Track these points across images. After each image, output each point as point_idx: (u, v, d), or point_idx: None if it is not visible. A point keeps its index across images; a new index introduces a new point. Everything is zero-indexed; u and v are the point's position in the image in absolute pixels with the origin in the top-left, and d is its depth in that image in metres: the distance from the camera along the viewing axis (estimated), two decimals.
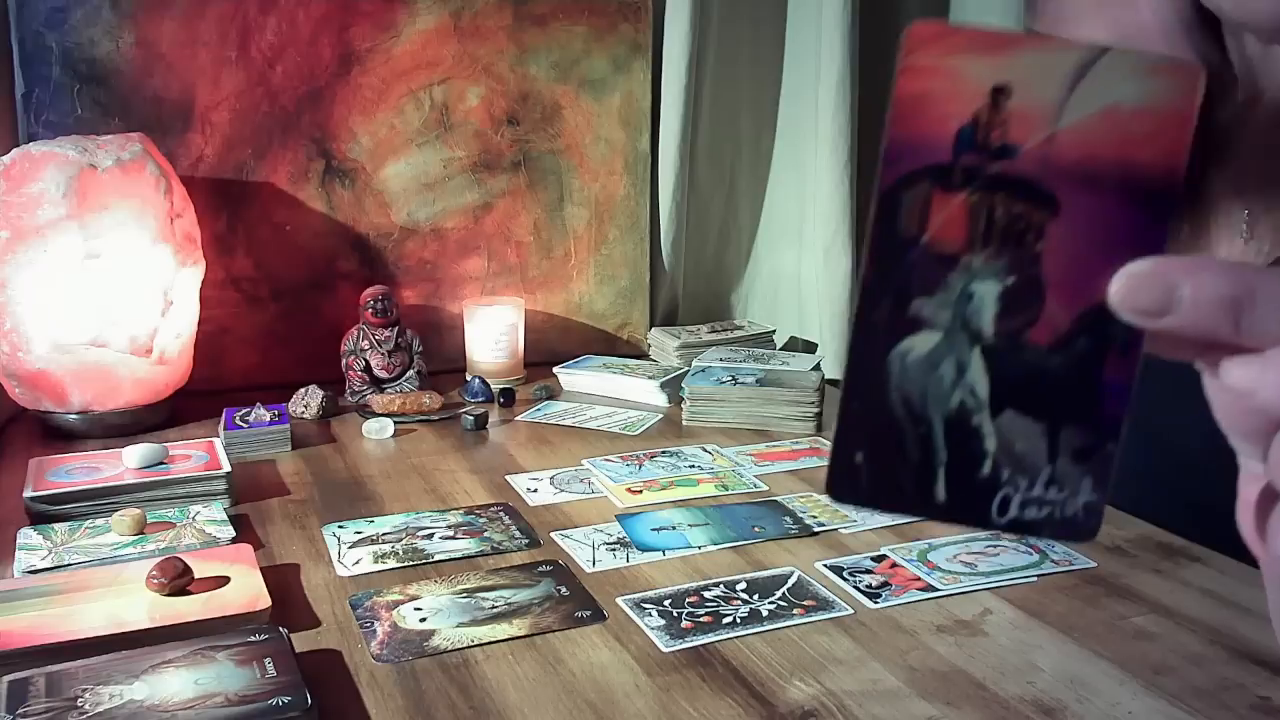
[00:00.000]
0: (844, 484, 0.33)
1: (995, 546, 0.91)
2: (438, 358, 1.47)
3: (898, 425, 0.33)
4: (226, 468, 1.03)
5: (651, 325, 1.64)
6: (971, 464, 0.33)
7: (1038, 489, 0.33)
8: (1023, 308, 0.32)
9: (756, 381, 1.30)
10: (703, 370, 1.37)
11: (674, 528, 0.96)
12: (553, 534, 0.95)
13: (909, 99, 0.32)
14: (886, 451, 0.33)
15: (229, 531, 0.94)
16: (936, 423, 0.33)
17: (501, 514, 1.00)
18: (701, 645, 0.76)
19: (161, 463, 1.05)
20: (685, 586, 0.85)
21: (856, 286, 0.33)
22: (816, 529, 0.96)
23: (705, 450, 1.18)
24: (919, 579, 0.85)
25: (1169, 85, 0.31)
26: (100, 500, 0.98)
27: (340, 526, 0.97)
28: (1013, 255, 0.32)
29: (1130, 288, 0.31)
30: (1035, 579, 0.85)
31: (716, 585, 0.85)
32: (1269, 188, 0.83)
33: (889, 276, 0.32)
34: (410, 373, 1.39)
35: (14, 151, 1.17)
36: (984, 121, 0.31)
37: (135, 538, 0.92)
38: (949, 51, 0.31)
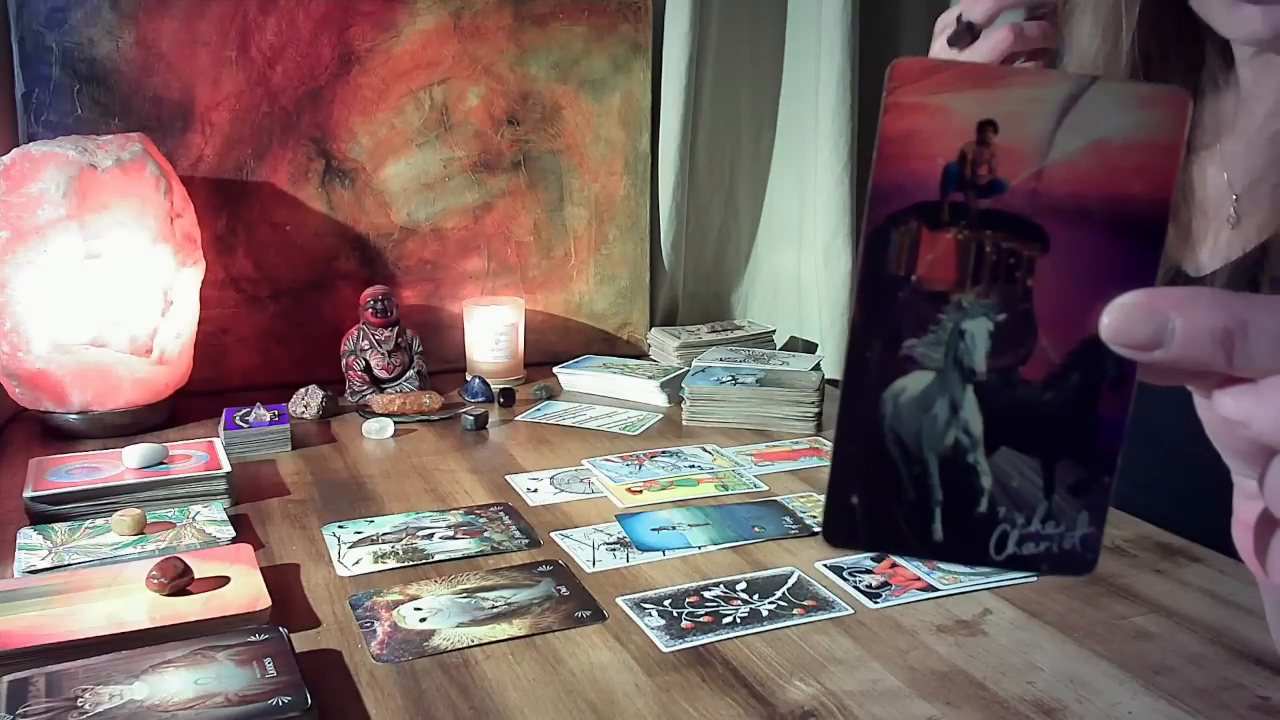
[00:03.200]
0: (841, 528, 0.33)
1: None
2: (438, 358, 1.47)
3: (893, 466, 0.33)
4: (226, 468, 1.03)
5: (651, 325, 1.64)
6: (968, 502, 0.33)
7: (1035, 524, 0.33)
8: (1015, 344, 0.32)
9: (756, 381, 1.30)
10: (703, 370, 1.37)
11: (674, 528, 0.96)
12: (553, 534, 0.95)
13: (895, 137, 0.31)
14: (882, 493, 0.33)
15: (229, 531, 0.94)
16: (931, 462, 0.33)
17: (501, 514, 1.00)
18: (701, 645, 0.75)
19: (161, 463, 1.05)
20: (685, 586, 0.85)
21: (853, 293, 0.33)
22: (816, 529, 0.96)
23: (705, 450, 1.18)
24: (919, 579, 0.85)
25: (1157, 116, 0.31)
26: (100, 500, 0.98)
27: (340, 526, 0.97)
28: (1003, 292, 0.32)
29: (1122, 321, 0.31)
30: (1035, 579, 0.85)
31: (716, 585, 0.85)
32: (1257, 179, 0.85)
33: (879, 317, 0.32)
34: (410, 373, 1.39)
35: (14, 151, 1.17)
36: (971, 158, 0.31)
37: (135, 538, 0.92)
38: (934, 88, 0.31)
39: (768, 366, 1.37)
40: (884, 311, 0.32)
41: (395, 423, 1.26)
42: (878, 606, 0.81)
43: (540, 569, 0.88)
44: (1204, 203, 0.87)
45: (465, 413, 1.28)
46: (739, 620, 0.79)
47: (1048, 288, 0.31)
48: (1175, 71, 0.85)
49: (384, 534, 0.95)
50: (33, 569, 0.86)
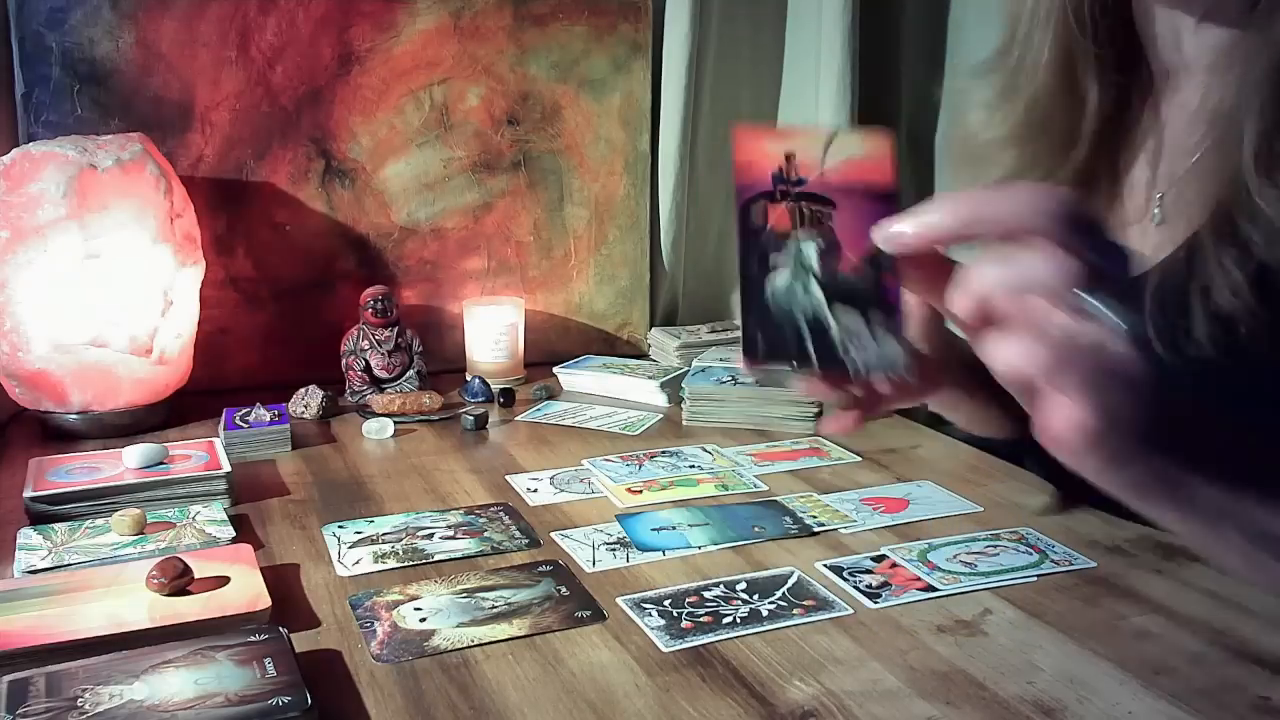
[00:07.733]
0: (751, 352, 0.58)
1: (995, 546, 0.91)
2: (438, 358, 1.47)
3: (778, 322, 0.57)
4: (226, 468, 1.03)
5: (651, 325, 1.64)
6: (826, 336, 0.56)
7: (865, 344, 0.56)
8: (832, 256, 0.55)
9: (756, 381, 1.30)
10: (703, 370, 1.37)
11: (674, 528, 0.96)
12: (553, 534, 0.95)
13: (743, 163, 0.56)
14: (775, 336, 0.57)
15: (229, 531, 0.94)
16: (799, 318, 0.57)
17: (501, 514, 1.00)
18: (701, 645, 0.75)
19: (161, 463, 1.05)
20: (685, 586, 0.85)
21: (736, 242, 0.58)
22: (816, 529, 0.96)
23: (705, 450, 1.18)
24: (919, 579, 0.85)
25: (874, 142, 0.54)
26: (100, 500, 0.98)
27: (340, 526, 0.97)
28: (819, 230, 0.56)
29: (882, 234, 0.53)
30: (1035, 579, 0.85)
31: (716, 585, 0.85)
32: (1177, 178, 0.88)
33: (753, 249, 0.57)
34: (410, 373, 1.39)
35: (14, 151, 1.17)
36: (784, 169, 0.56)
37: (135, 538, 0.92)
38: (760, 139, 0.56)
39: None
40: (755, 246, 0.57)
41: (395, 423, 1.26)
42: (878, 606, 0.81)
43: (540, 569, 0.88)
44: (1130, 199, 0.92)
45: (465, 413, 1.28)
46: (739, 620, 0.79)
47: (843, 227, 0.55)
48: (1112, 69, 0.89)
49: (384, 534, 0.95)
50: (33, 569, 0.86)
